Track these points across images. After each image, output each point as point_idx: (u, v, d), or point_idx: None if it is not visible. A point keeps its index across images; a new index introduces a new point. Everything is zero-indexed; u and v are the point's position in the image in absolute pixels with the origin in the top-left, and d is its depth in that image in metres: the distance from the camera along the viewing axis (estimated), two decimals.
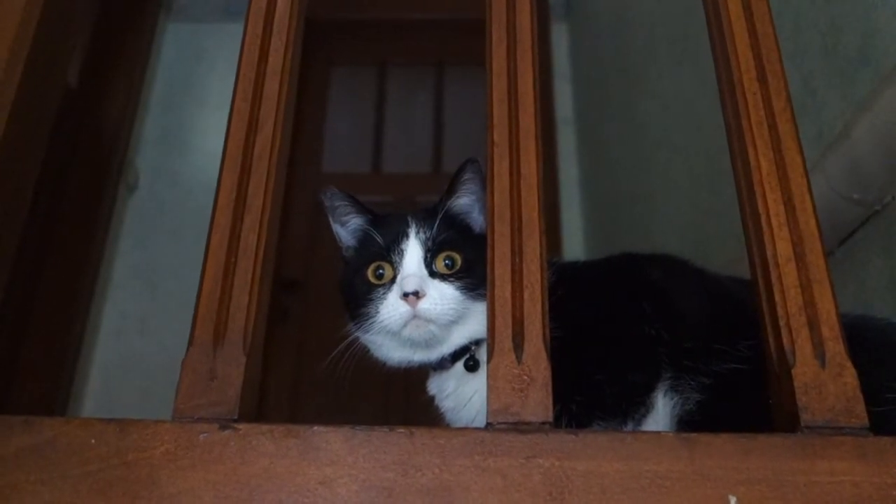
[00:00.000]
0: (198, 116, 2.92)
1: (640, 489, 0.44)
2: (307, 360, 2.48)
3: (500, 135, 0.55)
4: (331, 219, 0.86)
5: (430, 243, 0.76)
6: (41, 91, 0.64)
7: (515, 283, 0.50)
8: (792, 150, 0.54)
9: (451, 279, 0.74)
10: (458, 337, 0.75)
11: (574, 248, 2.63)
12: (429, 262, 0.75)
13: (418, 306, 0.72)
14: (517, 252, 0.51)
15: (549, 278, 0.54)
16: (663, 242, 1.87)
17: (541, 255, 0.51)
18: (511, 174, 0.54)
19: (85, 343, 2.44)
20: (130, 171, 2.74)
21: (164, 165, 2.83)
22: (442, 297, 0.72)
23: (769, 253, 0.51)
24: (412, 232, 0.77)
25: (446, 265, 0.75)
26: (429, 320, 0.72)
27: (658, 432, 0.53)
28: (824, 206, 0.97)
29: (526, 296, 0.50)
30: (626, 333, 0.69)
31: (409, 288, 0.72)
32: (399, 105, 3.12)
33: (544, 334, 0.49)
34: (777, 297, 0.50)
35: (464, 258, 0.75)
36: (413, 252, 0.75)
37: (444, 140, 2.98)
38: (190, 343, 0.48)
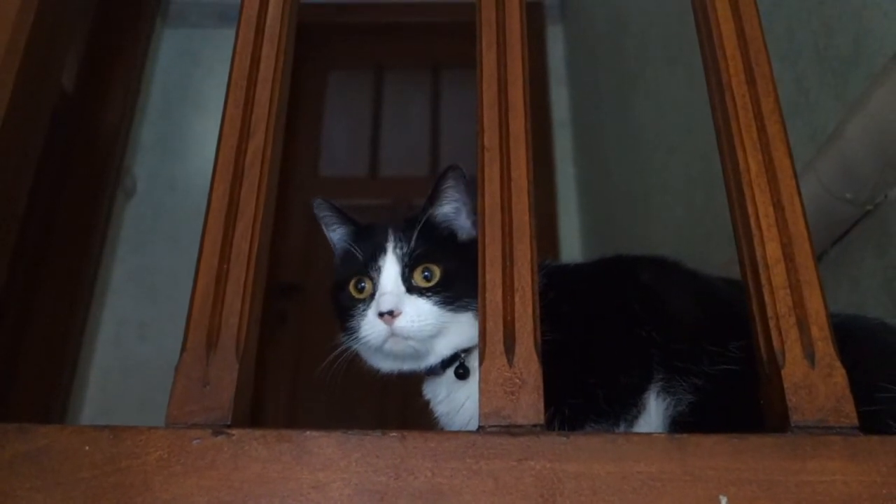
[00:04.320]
0: (195, 121, 2.92)
1: (631, 490, 0.44)
2: (305, 364, 2.48)
3: (490, 139, 0.55)
4: (323, 227, 0.86)
5: (407, 258, 0.75)
6: (35, 96, 0.65)
7: (506, 286, 0.51)
8: (780, 151, 0.54)
9: (429, 293, 0.74)
10: (443, 348, 0.75)
11: (571, 249, 2.63)
12: (406, 277, 0.75)
13: (394, 324, 0.72)
14: (508, 256, 0.52)
15: (540, 281, 0.54)
16: (659, 243, 1.87)
17: (532, 258, 0.52)
18: (502, 178, 0.54)
19: (83, 349, 2.44)
20: (128, 177, 2.74)
21: (162, 171, 2.83)
22: (419, 313, 0.73)
23: (759, 254, 0.52)
24: (390, 246, 0.76)
25: (425, 278, 0.74)
26: (407, 337, 0.73)
27: (649, 434, 0.53)
28: (817, 206, 0.98)
29: (517, 299, 0.50)
30: (617, 335, 0.69)
31: (384, 307, 0.72)
32: (396, 108, 3.13)
33: (535, 337, 0.49)
34: (767, 298, 0.50)
35: (443, 270, 0.74)
36: (390, 268, 0.75)
37: (440, 143, 2.99)
38: (183, 349, 0.49)
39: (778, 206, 0.53)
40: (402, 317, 0.72)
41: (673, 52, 1.79)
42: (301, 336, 2.52)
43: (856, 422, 0.46)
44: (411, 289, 0.74)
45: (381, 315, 0.72)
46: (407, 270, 0.75)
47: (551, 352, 0.51)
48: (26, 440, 0.46)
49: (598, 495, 0.44)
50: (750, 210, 0.53)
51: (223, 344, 0.49)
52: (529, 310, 0.50)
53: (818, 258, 0.53)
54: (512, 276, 0.51)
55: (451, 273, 0.74)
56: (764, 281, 0.51)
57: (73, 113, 2.56)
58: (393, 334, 0.72)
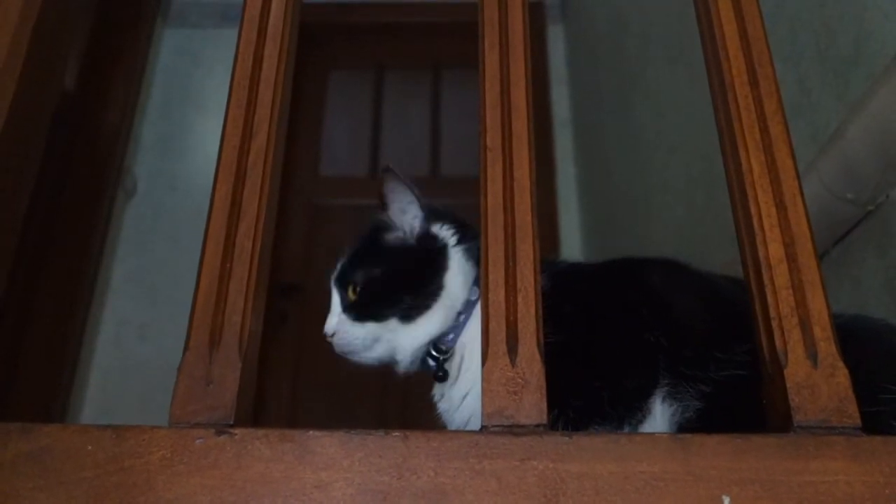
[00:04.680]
0: (195, 121, 2.92)
1: (634, 490, 0.44)
2: (305, 363, 2.48)
3: (492, 139, 0.55)
4: None
5: (342, 277, 0.80)
6: (38, 96, 0.65)
7: (509, 286, 0.51)
8: (783, 152, 0.54)
9: (352, 310, 0.78)
10: (398, 351, 0.78)
11: (572, 248, 2.63)
12: (343, 296, 0.79)
13: (335, 343, 0.78)
14: (511, 256, 0.52)
15: (546, 282, 0.54)
16: (660, 243, 1.87)
17: (534, 258, 0.52)
18: (504, 178, 0.54)
19: (84, 349, 2.44)
20: (128, 177, 2.74)
21: (162, 171, 2.83)
22: (344, 332, 0.77)
23: (761, 254, 0.51)
24: (338, 267, 0.82)
25: (354, 293, 0.79)
26: (348, 353, 0.78)
27: (652, 434, 0.53)
28: (819, 206, 0.98)
29: (520, 299, 0.50)
30: (623, 339, 0.69)
31: (325, 331, 0.78)
32: (396, 108, 3.13)
33: (538, 337, 0.49)
34: (769, 299, 0.50)
35: (363, 284, 0.78)
36: (334, 290, 0.80)
37: (441, 143, 2.99)
38: (185, 348, 0.49)
39: (780, 206, 0.52)
40: (335, 336, 0.77)
41: (673, 51, 1.79)
42: (301, 335, 2.52)
43: (858, 422, 0.46)
44: (346, 307, 0.79)
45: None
46: (342, 290, 0.80)
47: (556, 353, 0.51)
48: (29, 439, 0.46)
49: (600, 495, 0.44)
50: (752, 210, 0.53)
51: (226, 343, 0.49)
52: (532, 310, 0.50)
53: (819, 258, 0.53)
54: (515, 276, 0.51)
55: (369, 285, 0.78)
56: (766, 281, 0.51)
57: (73, 112, 2.56)
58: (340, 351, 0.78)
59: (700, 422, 0.64)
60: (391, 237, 0.81)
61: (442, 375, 0.76)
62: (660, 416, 0.66)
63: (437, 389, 0.78)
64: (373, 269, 0.79)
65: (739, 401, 0.62)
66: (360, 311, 0.77)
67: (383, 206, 0.82)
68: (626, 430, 0.66)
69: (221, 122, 0.57)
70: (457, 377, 0.75)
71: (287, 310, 2.56)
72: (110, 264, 2.64)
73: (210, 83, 2.92)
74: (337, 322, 0.78)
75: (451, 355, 0.76)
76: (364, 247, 0.82)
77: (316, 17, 2.74)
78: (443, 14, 2.96)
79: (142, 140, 2.87)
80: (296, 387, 2.50)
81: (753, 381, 0.53)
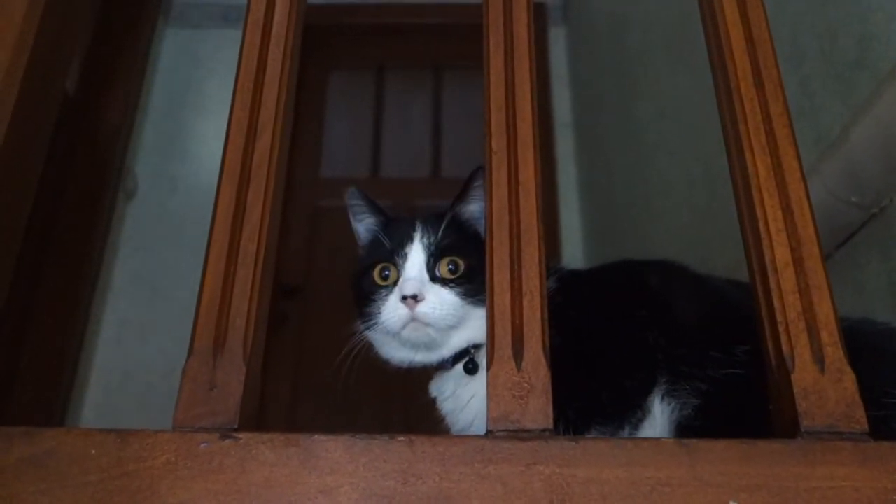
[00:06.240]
0: (197, 122, 2.92)
1: (640, 496, 0.44)
2: (306, 365, 2.48)
3: (498, 142, 0.55)
4: (350, 216, 0.89)
5: (433, 248, 0.77)
6: (41, 98, 0.65)
7: (514, 290, 0.50)
8: (789, 155, 0.54)
9: (452, 284, 0.75)
10: (458, 340, 0.76)
11: (573, 250, 2.63)
12: (431, 267, 0.76)
13: (416, 309, 0.73)
14: (516, 259, 0.51)
15: (550, 285, 0.54)
16: (662, 245, 1.87)
17: (540, 261, 0.51)
18: (509, 181, 0.54)
19: (84, 350, 2.44)
20: (129, 178, 2.73)
21: (163, 171, 2.83)
22: (441, 302, 0.74)
23: (767, 259, 0.51)
24: (417, 236, 0.78)
25: (450, 270, 0.76)
26: (426, 324, 0.74)
27: (658, 439, 0.53)
28: (822, 210, 0.97)
29: (525, 303, 0.50)
30: (622, 340, 0.70)
31: (408, 291, 0.73)
32: (397, 109, 3.13)
33: (544, 341, 0.49)
34: (776, 303, 0.50)
35: (467, 264, 0.76)
36: (416, 256, 0.77)
37: (442, 143, 2.98)
38: (190, 353, 0.49)
39: (787, 209, 0.52)
40: (424, 303, 0.73)
41: (675, 53, 1.79)
42: (302, 337, 2.52)
43: (866, 427, 0.46)
44: (434, 278, 0.76)
45: (403, 299, 0.73)
46: (432, 260, 0.76)
47: (557, 355, 0.51)
48: (32, 443, 0.45)
49: (607, 500, 0.43)
50: (759, 214, 0.53)
51: (230, 347, 0.49)
52: (538, 314, 0.49)
53: None
54: (520, 279, 0.51)
55: (473, 268, 0.76)
56: (773, 285, 0.50)
57: (74, 113, 2.56)
58: (413, 319, 0.73)
59: (698, 419, 0.64)
60: (466, 228, 0.80)
61: (472, 368, 0.75)
62: (659, 414, 0.67)
63: (449, 387, 0.78)
64: (473, 253, 0.76)
65: (737, 399, 0.63)
66: (462, 287, 0.74)
67: (464, 199, 0.80)
68: (627, 429, 0.67)
69: (223, 123, 0.56)
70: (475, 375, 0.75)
71: (287, 311, 2.56)
72: (111, 265, 2.63)
73: (211, 84, 2.92)
74: (422, 286, 0.74)
75: (479, 350, 0.76)
76: (451, 228, 0.79)
77: (317, 17, 2.74)
78: (444, 15, 2.96)
79: (143, 140, 2.87)
80: (296, 388, 2.50)
81: (752, 381, 0.53)
